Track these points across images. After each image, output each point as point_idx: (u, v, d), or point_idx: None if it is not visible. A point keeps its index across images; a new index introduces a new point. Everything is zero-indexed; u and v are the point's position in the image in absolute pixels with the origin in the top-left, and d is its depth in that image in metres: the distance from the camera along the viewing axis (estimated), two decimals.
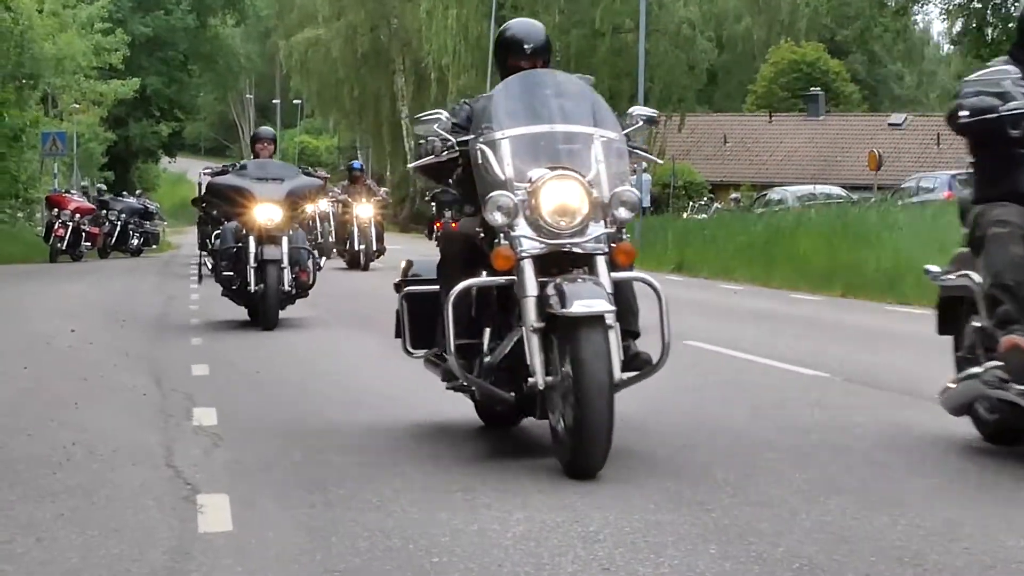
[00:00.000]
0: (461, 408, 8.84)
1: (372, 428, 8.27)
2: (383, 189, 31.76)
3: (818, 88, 64.74)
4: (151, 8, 64.11)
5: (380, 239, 28.57)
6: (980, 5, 37.68)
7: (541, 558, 5.22)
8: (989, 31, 37.68)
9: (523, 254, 6.85)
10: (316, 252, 16.68)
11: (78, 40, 44.29)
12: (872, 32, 39.85)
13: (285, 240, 14.92)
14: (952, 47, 49.90)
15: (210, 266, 16.51)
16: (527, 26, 7.82)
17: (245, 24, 75.87)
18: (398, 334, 8.20)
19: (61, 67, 42.73)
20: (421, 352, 8.02)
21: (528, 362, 6.78)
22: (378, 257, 28.23)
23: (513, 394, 7.13)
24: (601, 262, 6.88)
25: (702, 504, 6.04)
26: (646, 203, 36.38)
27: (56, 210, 35.36)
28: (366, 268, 27.37)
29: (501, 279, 7.00)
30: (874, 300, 18.55)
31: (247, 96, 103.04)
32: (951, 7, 38.79)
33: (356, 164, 31.42)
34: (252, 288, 14.70)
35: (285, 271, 14.85)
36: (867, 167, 47.20)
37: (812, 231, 24.66)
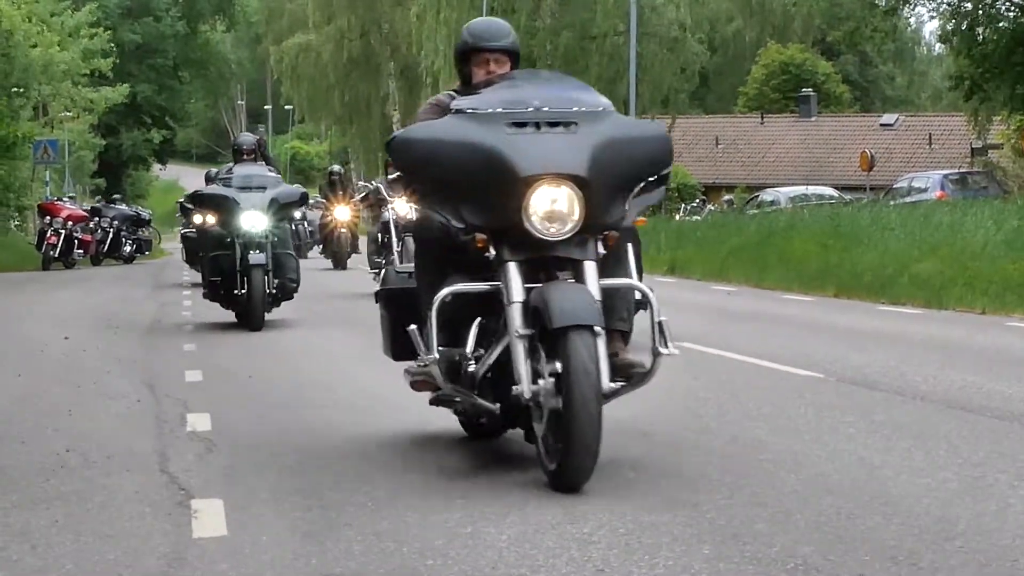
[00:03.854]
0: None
1: (366, 431, 8.27)
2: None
3: (810, 89, 64.79)
4: (140, 15, 64.13)
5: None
6: (970, 6, 37.69)
7: (536, 560, 5.22)
8: (980, 31, 37.70)
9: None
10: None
11: (64, 46, 44.22)
12: (863, 33, 39.85)
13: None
14: (943, 47, 49.91)
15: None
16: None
17: (235, 30, 76.05)
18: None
19: (48, 73, 42.68)
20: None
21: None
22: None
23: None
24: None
25: (696, 505, 6.04)
26: None
27: (48, 218, 35.36)
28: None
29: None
30: (867, 300, 18.57)
31: (238, 102, 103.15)
32: (941, 7, 38.82)
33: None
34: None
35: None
36: (859, 168, 47.27)
37: (805, 232, 24.68)
